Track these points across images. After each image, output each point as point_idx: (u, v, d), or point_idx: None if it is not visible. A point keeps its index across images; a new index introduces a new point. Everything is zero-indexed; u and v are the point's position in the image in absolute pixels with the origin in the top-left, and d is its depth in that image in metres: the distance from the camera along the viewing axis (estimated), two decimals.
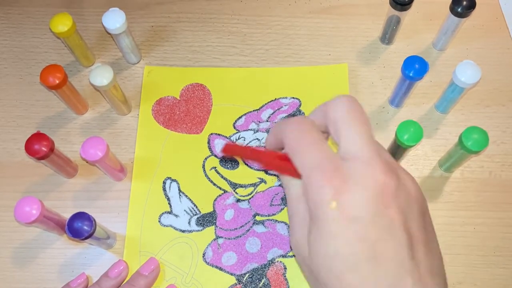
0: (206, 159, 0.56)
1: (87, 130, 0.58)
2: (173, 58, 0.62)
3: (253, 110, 0.59)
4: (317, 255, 0.30)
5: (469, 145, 0.48)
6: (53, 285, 0.51)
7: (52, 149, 0.49)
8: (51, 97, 0.60)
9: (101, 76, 0.52)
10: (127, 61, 0.62)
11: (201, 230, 0.53)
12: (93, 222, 0.46)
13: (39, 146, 0.49)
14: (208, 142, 0.57)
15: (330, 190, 0.29)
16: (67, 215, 0.48)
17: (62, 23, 0.54)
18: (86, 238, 0.46)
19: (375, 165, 0.30)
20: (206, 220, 0.54)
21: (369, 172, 0.30)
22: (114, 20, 0.54)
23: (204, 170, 0.56)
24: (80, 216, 0.46)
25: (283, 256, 0.52)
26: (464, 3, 0.54)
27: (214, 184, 0.55)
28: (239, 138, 0.57)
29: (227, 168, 0.56)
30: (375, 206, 0.29)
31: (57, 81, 0.52)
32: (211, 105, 0.59)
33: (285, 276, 0.51)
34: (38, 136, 0.49)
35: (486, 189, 0.55)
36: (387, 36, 0.62)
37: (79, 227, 0.46)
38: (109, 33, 0.57)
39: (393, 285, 0.28)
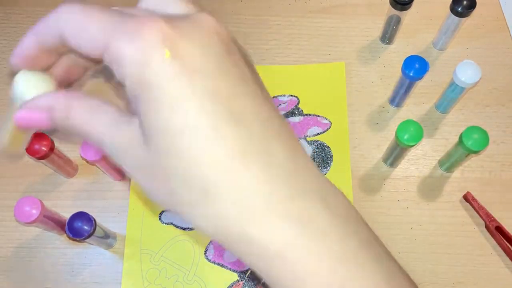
0: None
1: None
2: None
3: None
4: (159, 151, 0.21)
5: (469, 145, 0.48)
6: (53, 285, 0.51)
7: (52, 148, 0.49)
8: None
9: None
10: None
11: None
12: (93, 222, 0.46)
13: (39, 146, 0.49)
14: None
15: (155, 35, 0.20)
16: (67, 215, 0.47)
17: None
18: (86, 238, 0.46)
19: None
20: None
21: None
22: None
23: None
24: (80, 216, 0.46)
25: None
26: (465, 2, 0.54)
27: None
28: None
29: None
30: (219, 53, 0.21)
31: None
32: None
33: None
34: (38, 136, 0.49)
35: (486, 189, 0.55)
36: (387, 36, 0.62)
37: (79, 227, 0.46)
38: None
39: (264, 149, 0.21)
